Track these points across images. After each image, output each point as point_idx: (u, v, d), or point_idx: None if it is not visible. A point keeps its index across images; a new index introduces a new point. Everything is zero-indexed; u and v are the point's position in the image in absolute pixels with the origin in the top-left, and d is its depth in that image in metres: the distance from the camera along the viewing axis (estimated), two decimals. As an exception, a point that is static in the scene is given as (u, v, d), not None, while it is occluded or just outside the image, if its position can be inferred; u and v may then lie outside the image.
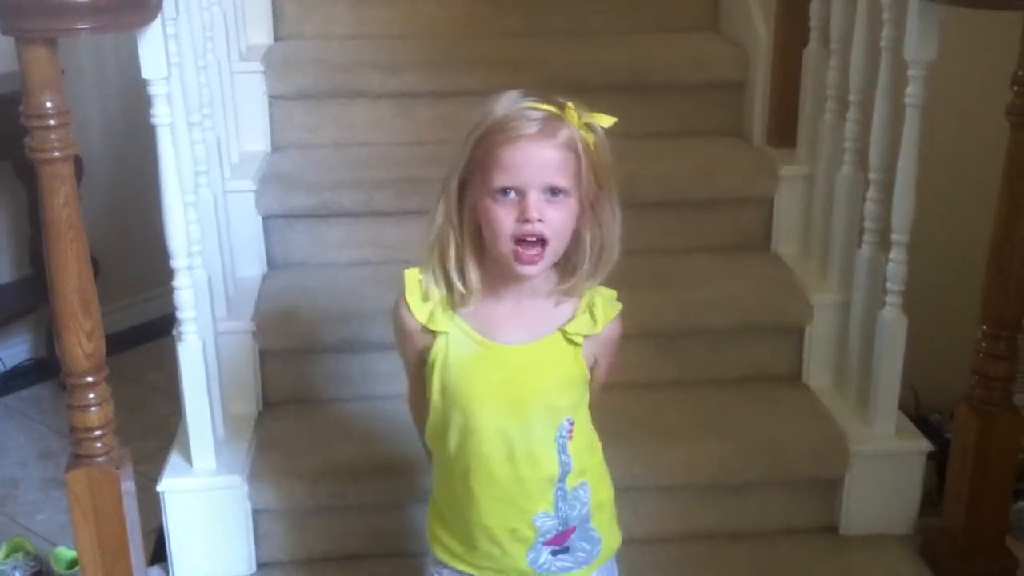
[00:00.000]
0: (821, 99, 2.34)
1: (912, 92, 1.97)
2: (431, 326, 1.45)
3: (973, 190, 2.19)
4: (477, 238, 1.41)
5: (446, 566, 1.54)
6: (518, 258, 1.36)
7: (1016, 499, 2.19)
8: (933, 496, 2.20)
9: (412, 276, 1.47)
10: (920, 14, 1.91)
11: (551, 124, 1.35)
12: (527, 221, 1.34)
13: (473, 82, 2.45)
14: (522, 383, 1.44)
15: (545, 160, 1.34)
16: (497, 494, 1.46)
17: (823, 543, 2.14)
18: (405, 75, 2.56)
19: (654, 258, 2.39)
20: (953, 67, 2.06)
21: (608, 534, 1.55)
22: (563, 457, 1.46)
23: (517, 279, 1.41)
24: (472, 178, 1.38)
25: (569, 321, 1.45)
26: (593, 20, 2.80)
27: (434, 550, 1.56)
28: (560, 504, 1.48)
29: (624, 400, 2.20)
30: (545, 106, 1.36)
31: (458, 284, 1.42)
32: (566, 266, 1.43)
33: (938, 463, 2.22)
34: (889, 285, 2.08)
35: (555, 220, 1.36)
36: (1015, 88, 1.83)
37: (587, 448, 1.51)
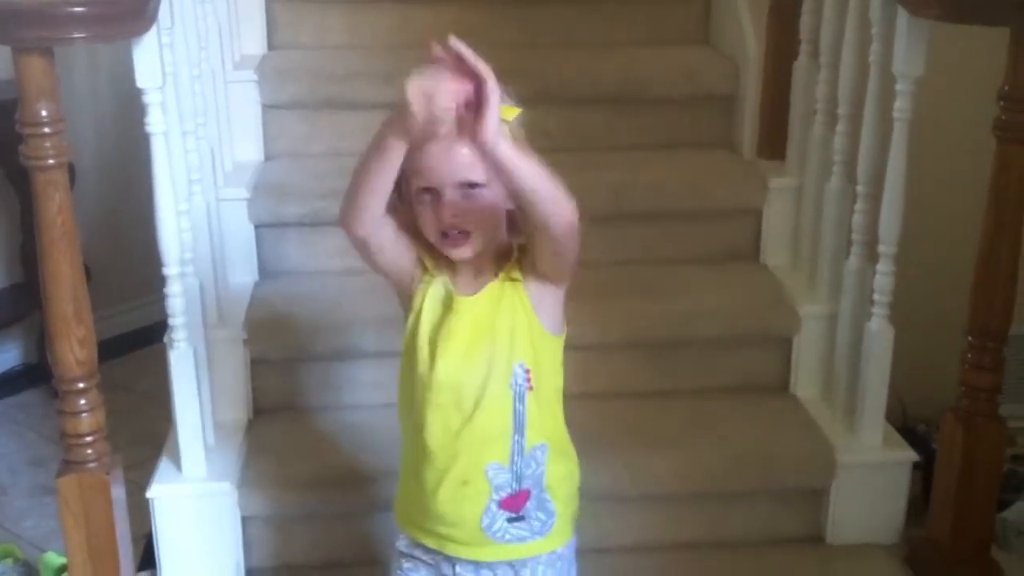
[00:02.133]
0: (810, 112, 2.36)
1: (900, 106, 1.99)
2: (427, 264, 1.51)
3: (960, 203, 2.20)
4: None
5: (407, 538, 1.58)
6: (447, 245, 1.44)
7: (1001, 509, 2.21)
8: (919, 506, 2.21)
9: None
10: (908, 29, 1.93)
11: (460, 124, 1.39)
12: (443, 220, 1.42)
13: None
14: (476, 327, 1.48)
15: (455, 159, 1.40)
16: (451, 443, 1.49)
17: (810, 552, 2.16)
18: (398, 85, 2.57)
19: (644, 268, 2.41)
20: (941, 82, 2.08)
21: (563, 515, 1.56)
22: (518, 405, 1.49)
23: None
24: (403, 177, 1.44)
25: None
26: (585, 32, 2.81)
27: (397, 521, 1.60)
28: (515, 458, 1.50)
29: (613, 409, 2.22)
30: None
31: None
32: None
33: (924, 473, 2.23)
34: (876, 296, 2.10)
35: (474, 212, 1.42)
36: (1001, 103, 1.85)
37: (550, 415, 1.53)
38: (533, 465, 1.51)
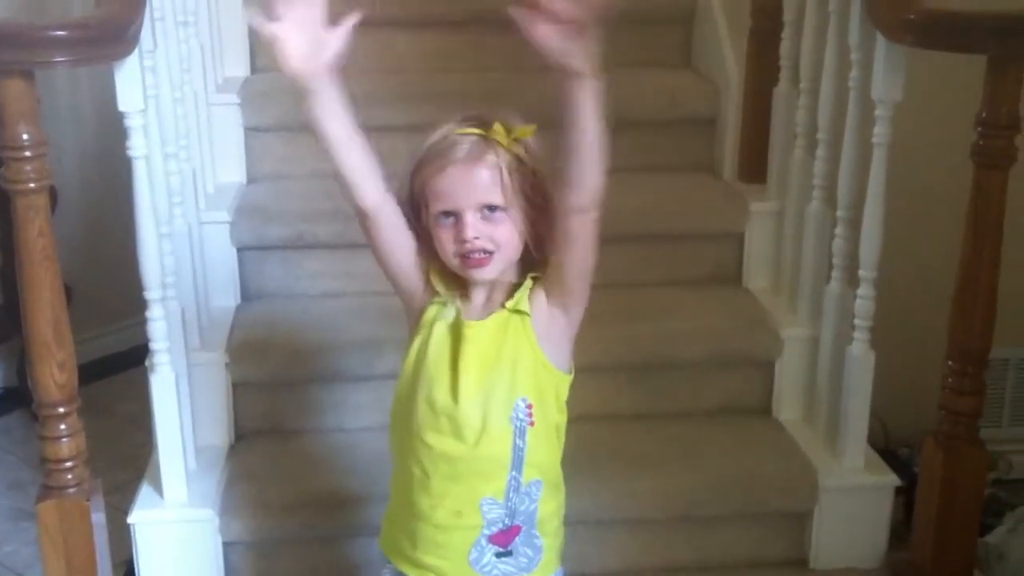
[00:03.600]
0: (791, 137, 2.37)
1: (879, 131, 2.01)
2: (436, 285, 1.50)
3: (939, 227, 2.22)
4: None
5: (392, 571, 1.56)
6: (467, 264, 1.43)
7: (983, 533, 2.22)
8: (902, 530, 2.22)
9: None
10: (887, 56, 1.95)
11: (478, 147, 1.42)
12: (465, 241, 1.41)
13: (448, 116, 2.46)
14: (480, 357, 1.47)
15: (475, 182, 1.41)
16: (448, 471, 1.48)
17: (792, 576, 2.16)
18: (379, 109, 2.57)
19: (625, 291, 2.41)
20: (920, 107, 2.10)
21: (550, 550, 1.55)
22: (518, 441, 1.47)
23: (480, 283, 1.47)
24: (420, 205, 1.46)
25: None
26: (567, 56, 2.82)
27: (383, 549, 1.59)
28: (511, 494, 1.48)
29: (594, 432, 2.21)
30: (471, 130, 1.44)
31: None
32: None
33: (907, 497, 2.24)
34: (857, 321, 2.11)
35: (495, 235, 1.42)
36: (978, 129, 1.87)
37: (547, 451, 1.52)
38: (527, 501, 1.50)
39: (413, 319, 1.53)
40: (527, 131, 1.45)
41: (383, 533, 1.61)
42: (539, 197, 1.44)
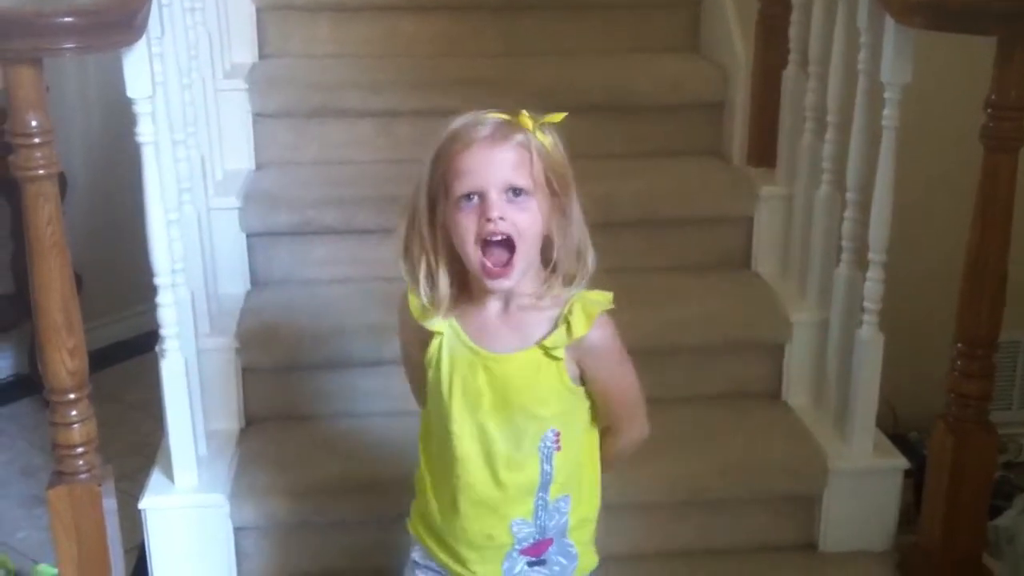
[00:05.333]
0: (800, 120, 2.36)
1: (888, 114, 2.00)
2: (427, 325, 1.46)
3: (949, 210, 2.21)
4: (452, 254, 1.42)
5: (422, 549, 1.57)
6: (488, 274, 1.38)
7: (993, 516, 2.22)
8: (911, 513, 2.22)
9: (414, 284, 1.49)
10: (896, 38, 1.94)
11: (504, 128, 1.38)
12: (489, 220, 1.35)
13: (453, 101, 2.42)
14: (506, 391, 1.44)
15: (501, 160, 1.36)
16: (476, 498, 1.47)
17: (802, 560, 2.16)
18: (386, 94, 2.58)
19: (634, 276, 2.41)
20: (929, 89, 2.09)
21: (586, 552, 1.56)
22: (546, 467, 1.47)
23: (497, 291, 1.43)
24: (438, 195, 1.40)
25: (549, 334, 1.43)
26: (572, 41, 2.82)
27: (413, 533, 1.59)
28: (540, 513, 1.49)
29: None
30: (497, 114, 1.40)
31: (423, 299, 1.44)
32: (549, 270, 1.44)
33: (916, 480, 2.24)
34: (866, 304, 2.10)
35: (520, 220, 1.37)
36: (988, 111, 1.86)
37: (576, 463, 1.51)
38: (557, 516, 1.50)
39: (415, 347, 1.52)
40: (555, 117, 1.41)
41: (413, 519, 1.60)
42: (559, 192, 1.41)
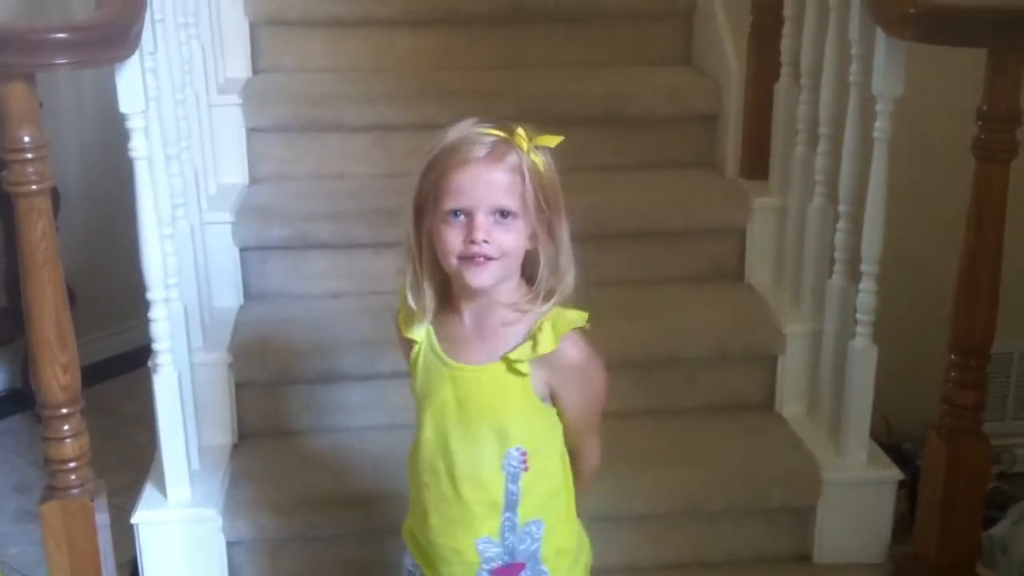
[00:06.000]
0: (792, 132, 2.37)
1: (880, 126, 2.01)
2: (408, 335, 1.49)
3: (941, 221, 2.21)
4: (436, 261, 1.43)
5: (413, 557, 1.58)
6: (468, 267, 1.38)
7: (987, 526, 2.22)
8: (905, 523, 2.22)
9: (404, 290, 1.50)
10: (887, 50, 1.95)
11: (500, 148, 1.38)
12: (473, 242, 1.37)
13: (448, 114, 2.42)
14: (469, 404, 1.45)
15: (493, 183, 1.37)
16: (444, 511, 1.48)
17: (796, 571, 2.15)
18: (381, 107, 2.58)
19: (627, 288, 2.42)
20: (921, 101, 2.10)
21: None
22: (511, 486, 1.46)
23: (475, 295, 1.43)
24: (427, 204, 1.41)
25: (515, 347, 1.44)
26: (567, 53, 2.83)
27: (405, 539, 1.60)
28: (507, 534, 1.48)
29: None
30: (494, 131, 1.39)
31: (411, 303, 1.45)
32: (533, 286, 1.44)
33: (910, 491, 2.24)
34: (859, 315, 2.10)
35: (504, 242, 1.38)
36: (980, 122, 1.87)
37: (550, 491, 1.50)
38: (528, 541, 1.49)
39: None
40: (551, 140, 1.41)
41: (406, 527, 1.61)
42: (548, 211, 1.41)
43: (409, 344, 1.50)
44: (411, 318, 1.48)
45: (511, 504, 1.47)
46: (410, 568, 1.60)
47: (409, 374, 1.55)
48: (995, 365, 2.04)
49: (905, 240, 2.25)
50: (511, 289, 1.43)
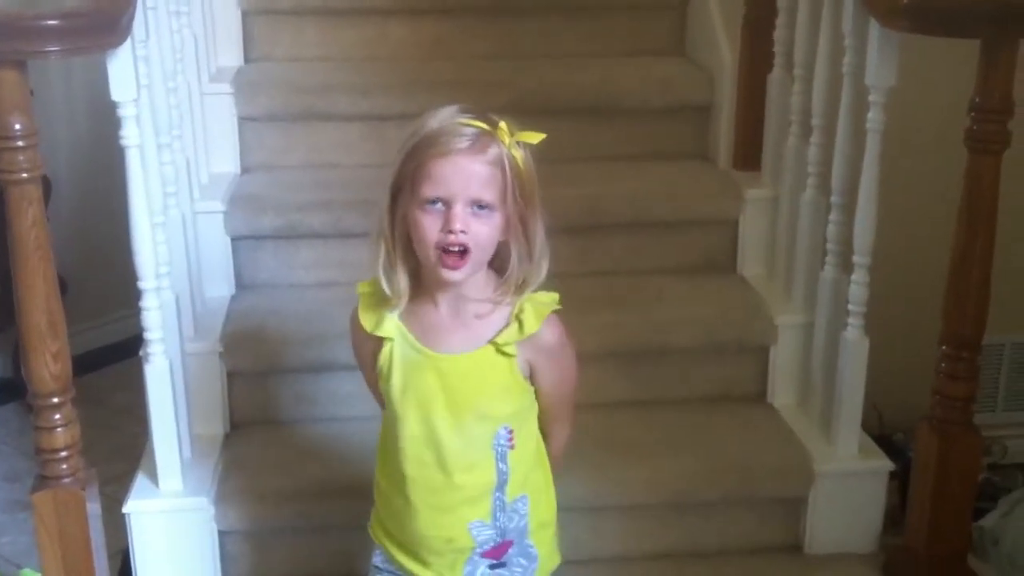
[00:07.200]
0: (785, 123, 2.37)
1: (873, 117, 2.01)
2: (378, 332, 1.49)
3: (933, 212, 2.22)
4: (408, 246, 1.45)
5: (383, 553, 1.59)
6: (442, 263, 1.40)
7: (978, 518, 2.22)
8: (897, 514, 2.22)
9: (362, 288, 1.53)
10: (880, 41, 1.95)
11: (482, 140, 1.40)
12: (451, 232, 1.38)
13: (441, 104, 2.46)
14: (457, 392, 1.47)
15: (473, 174, 1.39)
16: (434, 502, 1.49)
17: (788, 562, 2.16)
18: (374, 97, 2.58)
19: (619, 279, 2.42)
20: (914, 92, 2.10)
21: (547, 553, 1.57)
22: (501, 466, 1.49)
23: (448, 285, 1.45)
24: (404, 188, 1.43)
25: (500, 331, 1.47)
26: (560, 44, 2.82)
27: (374, 537, 1.61)
28: (498, 514, 1.50)
29: (589, 420, 2.20)
30: (477, 123, 1.41)
31: (385, 288, 1.47)
32: (500, 275, 1.47)
33: (901, 482, 2.24)
34: (851, 307, 2.11)
35: (480, 233, 1.40)
36: (972, 114, 1.87)
37: (531, 463, 1.53)
38: (516, 518, 1.51)
39: (370, 365, 1.54)
40: (534, 137, 1.43)
41: (374, 523, 1.62)
42: (523, 205, 1.43)
43: (377, 343, 1.50)
44: (376, 316, 1.49)
45: (501, 483, 1.49)
46: (379, 565, 1.61)
47: (367, 374, 1.56)
48: (986, 357, 2.04)
49: (897, 231, 2.25)
50: (481, 279, 1.46)
